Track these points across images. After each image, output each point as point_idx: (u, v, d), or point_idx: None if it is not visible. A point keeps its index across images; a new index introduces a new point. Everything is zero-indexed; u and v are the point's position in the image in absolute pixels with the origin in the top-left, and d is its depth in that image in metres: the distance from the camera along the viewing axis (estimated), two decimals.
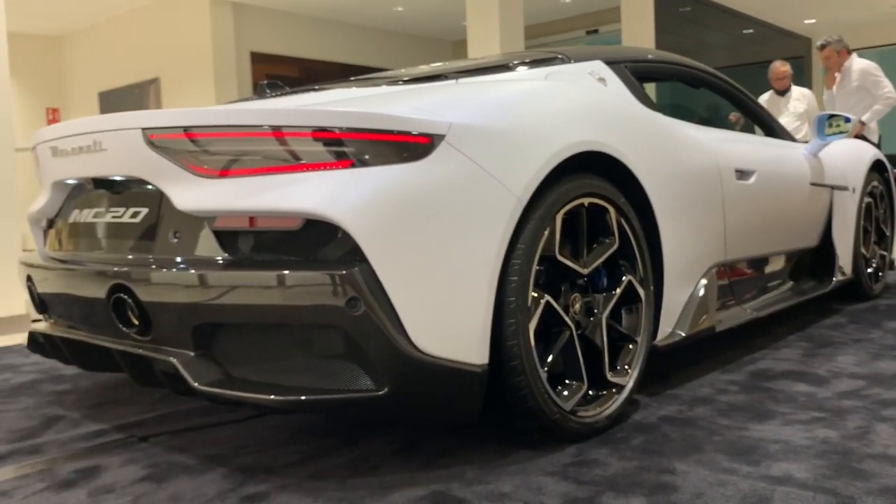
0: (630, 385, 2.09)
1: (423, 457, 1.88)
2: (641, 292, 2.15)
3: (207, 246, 1.77)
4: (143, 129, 1.81)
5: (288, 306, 1.63)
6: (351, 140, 1.67)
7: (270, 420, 2.21)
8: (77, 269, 2.00)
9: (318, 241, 1.66)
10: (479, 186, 1.73)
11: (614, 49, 2.77)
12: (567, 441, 1.93)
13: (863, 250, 3.78)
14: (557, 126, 1.95)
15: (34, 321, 2.44)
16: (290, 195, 1.65)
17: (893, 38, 12.60)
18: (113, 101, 10.48)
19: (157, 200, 1.87)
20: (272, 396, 1.65)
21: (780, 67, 6.51)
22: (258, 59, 9.71)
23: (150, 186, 1.87)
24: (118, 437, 2.15)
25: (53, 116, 11.18)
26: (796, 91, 6.56)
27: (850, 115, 3.54)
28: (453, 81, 2.21)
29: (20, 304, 4.35)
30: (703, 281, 2.46)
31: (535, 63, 2.42)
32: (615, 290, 2.10)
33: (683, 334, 2.33)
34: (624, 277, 2.11)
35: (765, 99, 6.65)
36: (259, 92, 2.70)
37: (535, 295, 1.86)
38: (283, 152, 1.69)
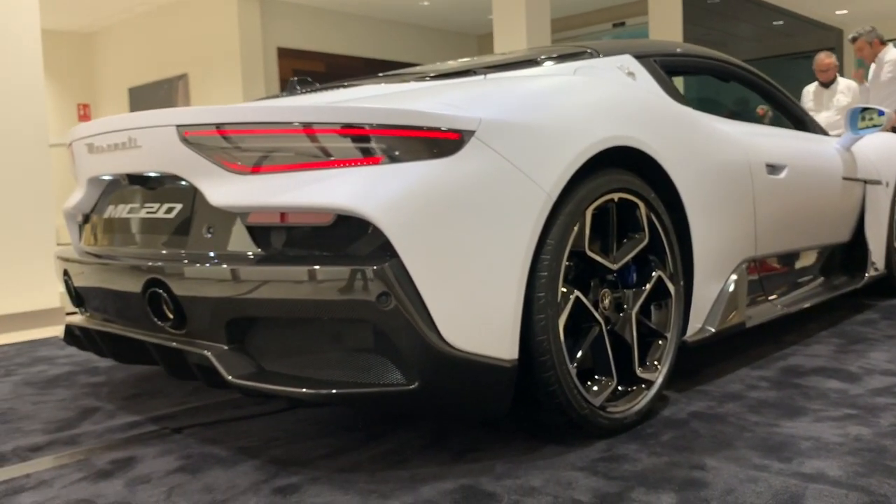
0: (659, 381, 2.08)
1: (453, 450, 1.89)
2: (671, 288, 2.14)
3: (240, 241, 1.80)
4: (178, 126, 1.83)
5: (319, 301, 1.65)
6: (381, 136, 1.68)
7: (301, 413, 2.24)
8: (112, 264, 2.04)
9: (349, 236, 1.68)
10: (508, 182, 1.74)
11: (643, 43, 2.75)
12: (596, 436, 1.93)
13: None
14: (587, 121, 1.94)
15: (69, 314, 2.49)
16: (321, 191, 1.66)
17: None
18: (142, 96, 10.60)
19: (191, 196, 1.90)
20: (304, 390, 1.67)
21: (825, 59, 6.39)
22: (285, 54, 9.76)
23: (183, 182, 1.90)
24: (153, 428, 2.19)
25: (84, 112, 11.34)
26: (842, 83, 6.43)
27: (883, 108, 3.48)
28: (482, 77, 2.22)
29: (54, 297, 4.43)
30: (734, 276, 2.44)
31: (563, 58, 2.41)
32: (645, 285, 2.09)
33: (713, 330, 2.32)
34: (654, 273, 2.11)
35: (810, 90, 6.55)
36: (289, 88, 2.72)
37: (565, 290, 1.86)
38: (315, 149, 1.71)
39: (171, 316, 1.87)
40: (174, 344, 1.87)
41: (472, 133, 1.72)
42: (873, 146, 3.67)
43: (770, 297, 2.79)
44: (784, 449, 1.81)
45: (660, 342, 2.14)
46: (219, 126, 1.78)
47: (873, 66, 5.94)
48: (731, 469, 1.70)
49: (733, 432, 1.94)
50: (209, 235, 1.85)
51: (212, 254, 1.83)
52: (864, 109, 3.45)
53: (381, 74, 2.65)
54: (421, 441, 1.97)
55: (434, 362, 1.64)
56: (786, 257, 2.98)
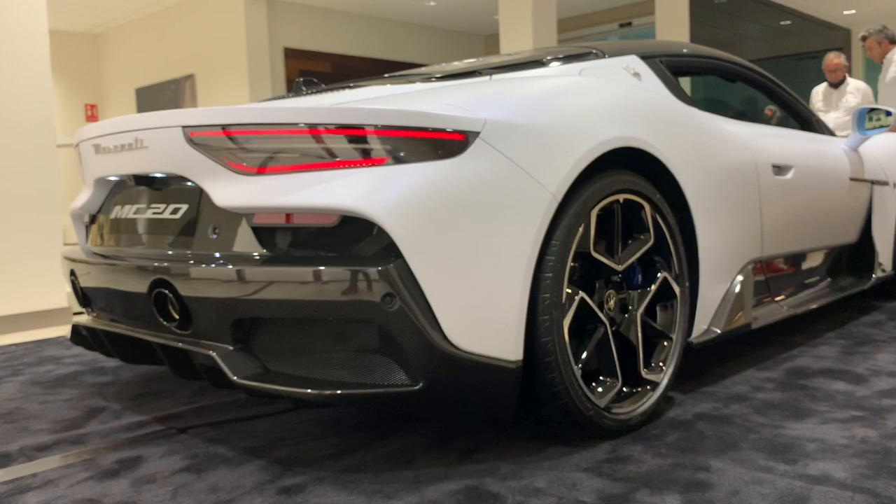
0: (665, 382, 2.08)
1: (458, 451, 1.89)
2: (676, 289, 2.14)
3: (246, 242, 1.80)
4: (184, 127, 1.84)
5: (324, 302, 1.65)
6: (386, 138, 1.69)
7: (306, 413, 2.24)
8: (119, 264, 2.05)
9: (354, 237, 1.68)
10: (513, 183, 1.74)
11: (649, 43, 2.75)
12: (601, 438, 1.93)
13: None
14: (592, 122, 1.94)
15: (76, 314, 2.50)
16: (326, 192, 1.67)
17: None
18: (149, 97, 10.64)
19: (197, 197, 1.91)
20: (309, 390, 1.67)
21: (834, 59, 6.37)
22: (291, 54, 9.78)
23: (189, 183, 1.90)
24: (158, 428, 2.20)
25: (91, 113, 11.39)
26: (851, 84, 6.40)
27: (891, 109, 3.47)
28: (487, 78, 2.22)
29: (62, 296, 4.45)
30: (740, 277, 2.44)
31: (568, 58, 2.41)
32: (650, 286, 2.09)
33: (719, 331, 2.31)
34: (659, 274, 2.10)
35: (819, 91, 6.53)
36: (295, 89, 2.73)
37: (570, 291, 1.86)
38: (320, 150, 1.71)
39: (176, 316, 1.88)
40: (180, 344, 1.88)
41: (476, 134, 1.72)
42: (881, 147, 3.66)
43: (776, 298, 2.78)
44: (790, 450, 1.81)
45: (665, 343, 2.13)
46: (224, 127, 1.79)
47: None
48: (736, 470, 1.70)
49: (739, 434, 1.94)
50: (215, 236, 1.85)
51: (217, 254, 1.84)
52: (872, 110, 3.43)
53: (386, 75, 2.66)
54: (426, 441, 1.97)
55: (439, 363, 1.65)
56: (792, 258, 2.97)
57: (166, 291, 1.85)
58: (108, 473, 1.86)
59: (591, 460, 1.80)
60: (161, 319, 1.92)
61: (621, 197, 2.00)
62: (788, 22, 12.04)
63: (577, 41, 9.86)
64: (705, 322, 2.30)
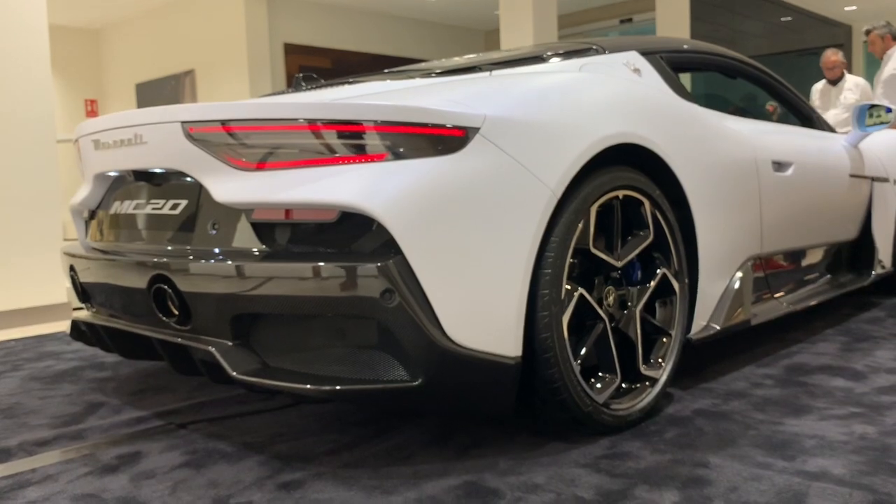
0: (663, 378, 2.08)
1: (456, 447, 1.89)
2: (676, 285, 2.14)
3: (245, 237, 1.80)
4: (183, 122, 1.84)
5: (323, 297, 1.65)
6: (385, 133, 1.69)
7: (306, 409, 2.25)
8: (118, 260, 2.04)
9: (353, 233, 1.68)
10: (513, 179, 1.74)
11: (649, 39, 2.74)
12: (600, 434, 1.93)
13: None
14: (592, 118, 1.94)
15: (76, 309, 2.50)
16: (325, 188, 1.67)
17: None
18: (149, 92, 10.63)
19: (197, 192, 1.90)
20: (308, 386, 1.67)
21: (832, 56, 6.36)
22: (291, 50, 9.77)
23: (189, 179, 1.90)
24: (158, 423, 2.20)
25: (92, 108, 11.38)
26: (850, 80, 6.40)
27: (891, 106, 3.47)
28: (487, 73, 2.21)
29: (61, 292, 4.45)
30: (739, 274, 2.44)
31: (569, 54, 2.41)
32: (649, 283, 2.09)
33: (718, 328, 2.31)
34: (658, 270, 2.11)
35: (817, 88, 6.52)
36: (295, 85, 2.72)
37: (569, 287, 1.86)
38: (319, 145, 1.71)
39: (176, 312, 1.88)
40: (179, 340, 1.88)
41: (476, 130, 1.72)
42: (881, 143, 3.66)
43: (776, 295, 2.79)
44: (788, 447, 1.81)
45: (664, 339, 2.14)
46: (224, 122, 1.79)
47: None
48: (734, 467, 1.70)
49: (737, 430, 1.94)
50: (214, 232, 1.85)
51: (217, 250, 1.84)
52: (872, 106, 3.43)
53: (386, 71, 2.65)
54: (425, 437, 1.97)
55: (438, 359, 1.65)
56: (792, 255, 2.97)
57: (165, 287, 1.85)
58: (107, 469, 1.86)
59: (589, 456, 1.80)
60: (160, 315, 1.92)
61: (621, 193, 1.99)
62: (789, 18, 12.03)
63: (577, 37, 9.85)
64: (704, 318, 2.30)
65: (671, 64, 2.62)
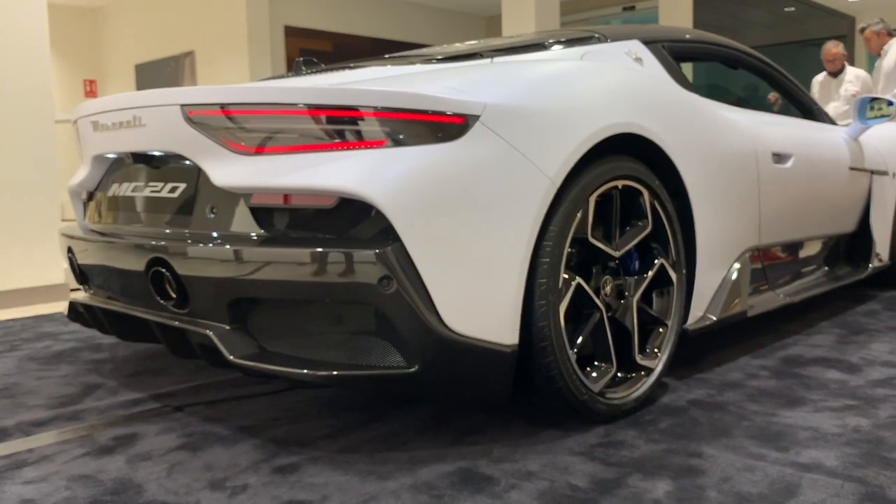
0: (659, 368, 2.09)
1: (452, 433, 1.90)
2: (673, 276, 2.14)
3: (243, 222, 1.80)
4: (182, 105, 1.83)
5: (321, 283, 1.65)
6: (385, 119, 1.68)
7: (302, 393, 2.25)
8: (116, 242, 2.04)
9: (352, 219, 1.68)
10: (512, 168, 1.73)
11: (651, 28, 2.73)
12: (595, 422, 1.94)
13: None
14: (593, 107, 1.94)
15: (73, 290, 2.50)
16: (324, 173, 1.66)
17: None
18: (149, 73, 10.57)
19: (195, 176, 1.90)
20: (305, 371, 1.68)
21: (832, 49, 6.34)
22: (292, 32, 9.71)
23: (188, 162, 1.90)
24: (154, 406, 2.21)
25: (90, 88, 11.32)
26: (850, 73, 6.38)
27: (893, 99, 3.46)
28: (488, 61, 2.21)
29: (59, 273, 4.45)
30: (737, 265, 2.44)
31: (570, 42, 2.40)
32: (647, 273, 2.09)
33: (715, 318, 2.32)
34: (656, 261, 2.11)
35: (818, 80, 6.51)
36: (295, 69, 2.71)
37: (567, 277, 1.86)
38: (318, 130, 1.71)
39: (173, 295, 1.88)
40: (177, 323, 1.88)
41: (476, 118, 1.72)
42: (881, 136, 3.65)
43: (773, 287, 2.79)
44: (782, 438, 1.82)
45: (660, 329, 2.14)
46: (223, 106, 1.78)
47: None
48: (728, 457, 1.71)
49: (732, 421, 1.95)
50: (212, 216, 1.85)
51: (215, 234, 1.84)
52: (874, 99, 3.42)
53: (386, 56, 2.64)
54: (421, 424, 1.98)
55: (435, 346, 1.65)
56: (790, 247, 2.98)
57: (163, 270, 1.86)
58: (103, 450, 1.87)
59: (584, 444, 1.81)
60: (158, 298, 1.92)
61: (620, 183, 1.99)
62: (792, 8, 11.97)
63: (580, 24, 9.80)
64: (701, 309, 2.31)
65: (673, 53, 2.61)
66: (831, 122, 3.55)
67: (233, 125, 1.78)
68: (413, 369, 1.66)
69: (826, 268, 3.29)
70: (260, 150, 1.76)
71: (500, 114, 1.75)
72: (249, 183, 1.74)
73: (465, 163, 1.69)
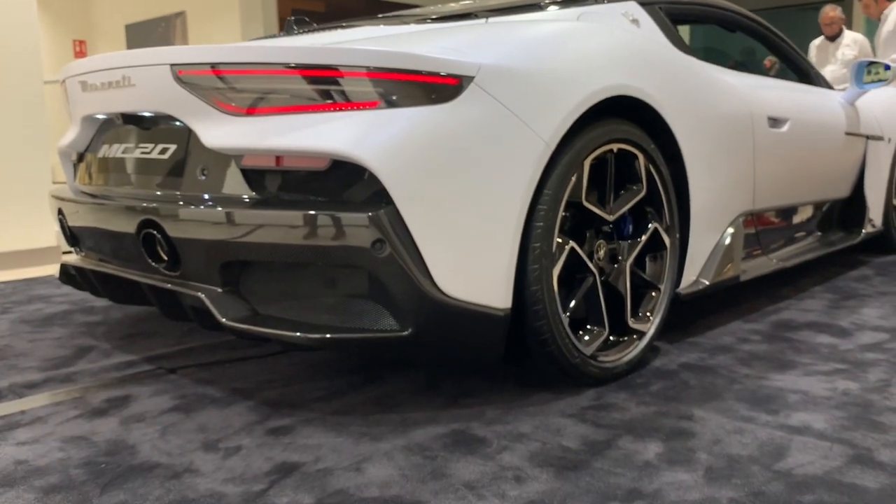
0: (651, 332, 2.10)
1: (445, 396, 1.91)
2: (667, 240, 2.14)
3: (234, 184, 1.78)
4: (172, 65, 1.80)
5: (313, 246, 1.64)
6: (378, 80, 1.66)
7: (296, 356, 2.26)
8: (107, 204, 2.03)
9: (344, 181, 1.66)
10: (507, 130, 1.72)
11: None
12: (586, 385, 1.95)
13: (895, 202, 3.72)
14: (588, 69, 1.91)
15: (65, 253, 2.49)
16: (316, 135, 1.64)
17: None
18: (139, 34, 10.41)
19: (186, 137, 1.88)
20: (298, 334, 1.68)
21: (830, 12, 6.27)
22: None
23: (178, 123, 1.88)
24: (147, 368, 2.21)
25: (80, 49, 11.15)
26: (847, 37, 6.32)
27: (890, 63, 3.43)
28: (483, 21, 2.17)
29: (50, 235, 4.42)
30: (730, 230, 2.44)
31: (567, 3, 2.36)
32: (640, 237, 2.09)
33: (707, 283, 2.32)
34: (650, 225, 2.10)
35: (815, 45, 6.46)
36: (287, 29, 2.67)
37: (560, 241, 1.86)
38: (310, 91, 1.69)
39: (165, 257, 1.87)
40: (169, 285, 1.87)
41: (471, 79, 1.69)
42: (878, 101, 3.63)
43: (766, 252, 2.79)
44: (772, 401, 1.84)
45: (653, 294, 2.15)
46: (213, 66, 1.75)
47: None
48: (718, 420, 1.73)
49: (723, 384, 1.96)
50: (203, 177, 1.83)
51: (206, 196, 1.82)
52: (871, 63, 3.40)
53: (380, 16, 2.60)
54: (414, 386, 1.99)
55: (428, 310, 1.65)
56: (783, 212, 2.97)
57: (154, 232, 1.84)
58: (97, 412, 1.87)
59: (575, 407, 1.82)
60: (149, 260, 1.91)
61: (615, 146, 1.98)
62: None
63: None
64: (694, 273, 2.31)
65: (670, 15, 2.57)
66: (828, 86, 3.52)
67: (223, 85, 1.75)
68: (406, 333, 1.66)
69: (819, 233, 3.29)
70: (251, 111, 1.74)
71: (495, 75, 1.72)
72: (240, 144, 1.72)
73: (460, 125, 1.67)
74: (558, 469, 1.51)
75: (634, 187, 2.07)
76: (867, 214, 3.47)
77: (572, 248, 1.89)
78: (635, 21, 2.41)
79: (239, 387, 2.02)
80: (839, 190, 3.36)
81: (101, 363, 2.27)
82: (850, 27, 6.93)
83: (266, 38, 2.72)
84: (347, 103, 1.66)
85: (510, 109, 1.72)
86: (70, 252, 2.46)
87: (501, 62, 1.75)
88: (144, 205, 1.87)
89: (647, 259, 2.15)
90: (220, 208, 1.73)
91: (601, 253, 2.01)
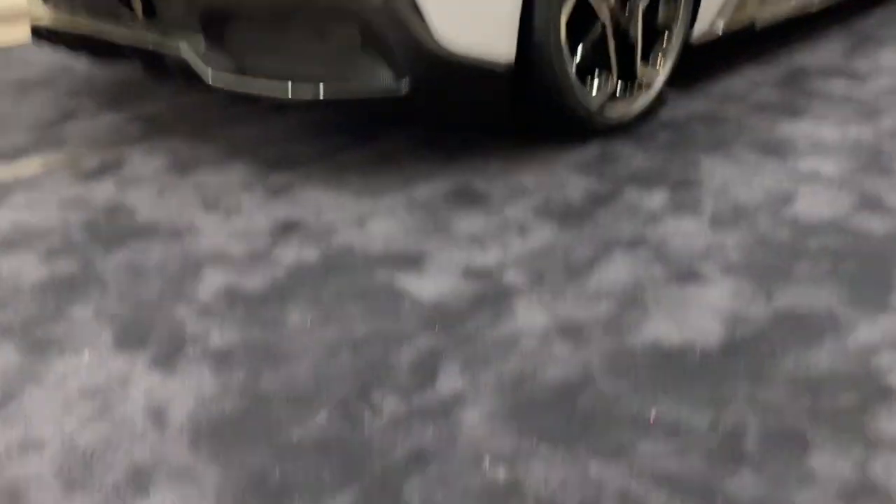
0: (661, 79, 2.00)
1: (445, 152, 1.86)
2: None
3: None
4: None
5: None
6: None
7: (292, 117, 2.18)
8: None
9: None
10: None
11: None
12: (593, 138, 1.89)
13: None
14: None
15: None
16: None
17: None
18: None
19: None
20: (289, 84, 1.59)
21: None
22: None
23: None
24: (138, 128, 2.14)
25: None
26: None
27: None
28: None
29: None
30: None
31: None
32: None
33: (721, 29, 2.18)
34: None
35: None
36: None
37: None
38: None
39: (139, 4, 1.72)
40: (148, 39, 1.74)
41: None
42: None
43: None
44: (781, 148, 1.79)
45: (664, 39, 2.02)
46: None
47: None
48: (726, 168, 1.69)
49: (732, 133, 1.90)
50: None
51: None
52: None
53: None
54: (413, 143, 1.93)
55: (425, 63, 1.55)
56: None
57: None
58: (91, 174, 1.83)
59: (580, 161, 1.78)
60: (126, 7, 1.76)
61: None
62: None
63: None
64: (708, 21, 2.16)
65: None
66: None
67: None
68: (403, 87, 1.57)
69: None
70: None
71: None
72: None
73: None
74: (562, 220, 1.50)
75: None
76: None
77: None
78: None
79: (234, 146, 1.96)
80: None
81: (90, 124, 2.19)
82: None
83: None
84: None
85: None
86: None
87: None
88: None
89: (660, 4, 1.99)
90: None
91: None
